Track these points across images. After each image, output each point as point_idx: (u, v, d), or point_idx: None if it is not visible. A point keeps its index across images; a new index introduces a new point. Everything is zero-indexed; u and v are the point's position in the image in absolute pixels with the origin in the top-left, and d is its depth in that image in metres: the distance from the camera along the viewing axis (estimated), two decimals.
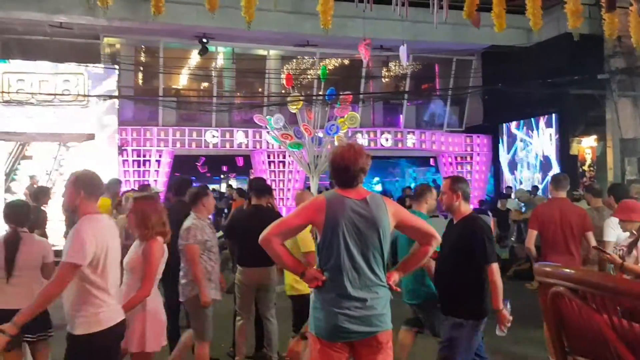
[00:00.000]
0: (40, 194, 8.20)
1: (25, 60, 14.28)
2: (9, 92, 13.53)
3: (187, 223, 5.07)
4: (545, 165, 16.79)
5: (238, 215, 6.17)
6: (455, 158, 19.83)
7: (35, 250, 4.53)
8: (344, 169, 3.24)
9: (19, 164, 14.17)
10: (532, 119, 17.31)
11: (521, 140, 18.13)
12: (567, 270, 3.02)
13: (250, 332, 5.98)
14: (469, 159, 19.78)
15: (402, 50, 13.21)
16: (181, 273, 5.12)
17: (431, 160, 22.91)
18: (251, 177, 16.36)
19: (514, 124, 18.42)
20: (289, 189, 17.53)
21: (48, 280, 4.90)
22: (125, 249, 3.78)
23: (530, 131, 17.58)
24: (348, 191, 3.25)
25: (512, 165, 18.60)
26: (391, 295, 3.29)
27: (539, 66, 15.24)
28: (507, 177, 18.77)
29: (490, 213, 11.34)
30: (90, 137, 14.09)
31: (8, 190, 13.70)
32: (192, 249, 4.94)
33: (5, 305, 4.21)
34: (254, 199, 5.89)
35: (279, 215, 6.04)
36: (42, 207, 7.87)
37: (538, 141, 17.19)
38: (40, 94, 13.64)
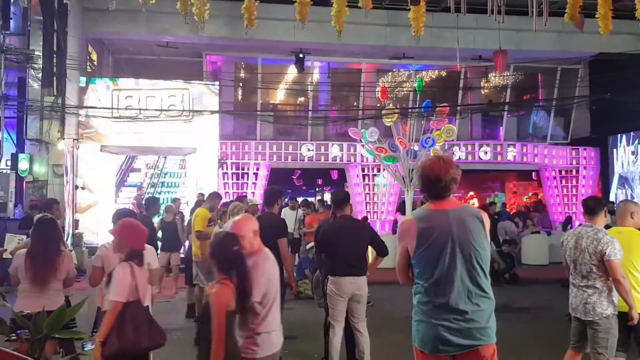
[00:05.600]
0: (151, 204, 8.61)
1: (134, 78, 15.18)
2: (118, 109, 14.41)
3: None
4: None
5: (327, 227, 6.16)
6: (560, 172, 18.87)
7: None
8: (436, 180, 3.18)
9: (128, 176, 15.07)
10: None
11: (632, 153, 16.94)
12: None
13: (342, 344, 5.93)
14: (574, 172, 18.76)
15: (500, 57, 12.65)
16: None
17: (533, 174, 21.92)
18: (346, 189, 16.38)
19: (625, 136, 17.26)
20: (383, 203, 17.38)
21: (151, 285, 5.12)
22: None
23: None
24: (441, 203, 3.21)
25: (623, 180, 17.40)
26: None
27: None
28: (616, 192, 17.58)
29: None
30: (193, 151, 14.71)
31: (118, 200, 14.56)
32: None
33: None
34: (338, 210, 5.95)
35: (367, 223, 5.99)
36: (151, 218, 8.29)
37: None
38: (147, 109, 14.43)
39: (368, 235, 5.90)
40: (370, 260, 6.50)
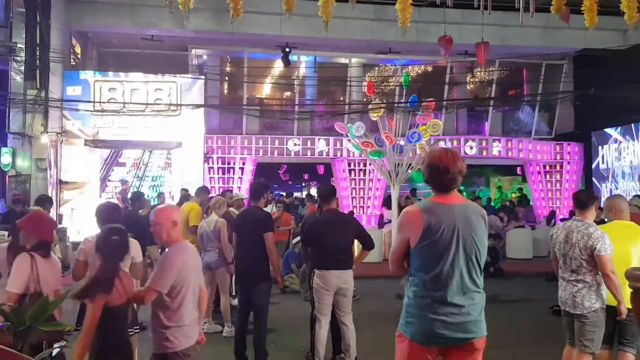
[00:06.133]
0: (136, 200, 8.55)
1: (118, 72, 15.04)
2: (101, 102, 14.27)
3: None
4: None
5: (313, 221, 6.18)
6: (544, 167, 19.05)
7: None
8: (444, 171, 3.14)
9: (112, 170, 14.95)
10: (632, 125, 16.31)
11: (616, 150, 17.13)
12: None
13: (328, 337, 5.95)
14: (558, 167, 18.94)
15: (482, 49, 12.56)
16: None
17: (518, 169, 22.09)
18: (332, 184, 16.41)
19: (608, 131, 17.43)
20: (369, 197, 17.43)
21: (136, 279, 5.10)
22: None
23: (627, 138, 16.57)
24: (446, 196, 3.19)
25: (605, 174, 17.60)
26: None
27: (637, 69, 14.33)
28: (601, 186, 17.77)
29: None
30: (179, 145, 14.62)
31: (103, 195, 14.44)
32: None
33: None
34: (324, 204, 5.97)
35: (353, 217, 6.03)
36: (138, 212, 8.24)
37: (637, 149, 16.17)
38: (131, 103, 14.32)
39: (354, 228, 5.91)
40: (356, 253, 6.52)
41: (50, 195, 12.94)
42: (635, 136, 16.28)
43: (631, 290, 3.76)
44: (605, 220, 5.37)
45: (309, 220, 6.40)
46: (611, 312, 4.57)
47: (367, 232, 6.06)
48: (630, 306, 4.27)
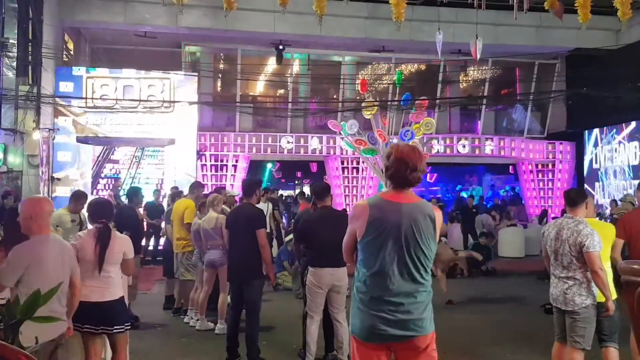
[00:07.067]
0: (133, 195, 8.51)
1: (111, 68, 14.97)
2: (93, 98, 14.19)
3: None
4: (635, 173, 15.85)
5: (307, 218, 6.17)
6: (536, 166, 19.13)
7: (118, 245, 4.66)
8: (412, 168, 3.13)
9: (104, 167, 14.88)
10: (623, 124, 16.41)
11: (608, 150, 17.23)
12: None
13: (320, 334, 5.96)
14: (550, 166, 19.03)
15: (478, 44, 12.53)
16: None
17: (510, 168, 22.18)
18: (325, 181, 16.38)
19: (600, 130, 17.52)
20: (362, 195, 17.45)
21: (127, 275, 5.09)
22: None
23: (619, 138, 16.66)
24: (399, 194, 3.17)
25: (597, 174, 17.70)
26: None
27: (629, 69, 14.42)
28: (595, 185, 17.87)
29: None
30: (171, 142, 14.58)
31: (95, 192, 14.37)
32: None
33: (97, 298, 4.41)
34: (318, 201, 5.93)
35: (347, 214, 6.04)
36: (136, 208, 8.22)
37: (628, 148, 16.26)
38: (124, 99, 14.25)
39: (347, 225, 5.87)
40: None
41: (41, 191, 12.94)
42: (626, 136, 16.37)
43: (623, 283, 3.79)
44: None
45: (303, 217, 6.40)
46: (597, 308, 4.63)
47: None
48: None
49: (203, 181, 15.69)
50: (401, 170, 3.14)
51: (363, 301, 3.15)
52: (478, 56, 11.99)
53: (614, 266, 4.77)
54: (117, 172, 14.81)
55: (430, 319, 3.15)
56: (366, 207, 3.17)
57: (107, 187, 14.43)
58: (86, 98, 14.13)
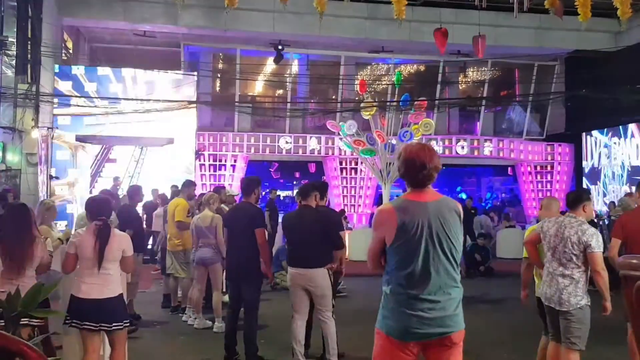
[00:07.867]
0: (134, 194, 8.50)
1: (111, 67, 14.96)
2: (93, 98, 14.19)
3: None
4: (633, 174, 15.87)
5: (286, 216, 6.28)
6: (535, 167, 19.15)
7: (118, 243, 4.66)
8: (420, 167, 3.14)
9: (103, 166, 14.87)
10: (620, 127, 16.43)
11: (606, 152, 17.25)
12: None
13: (319, 334, 5.94)
14: (549, 168, 19.05)
15: (479, 43, 12.37)
16: None
17: (509, 169, 22.19)
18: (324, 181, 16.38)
19: (599, 132, 17.55)
20: (360, 196, 17.45)
21: (127, 273, 5.09)
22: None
23: (617, 139, 16.69)
24: (421, 193, 3.19)
25: (595, 175, 17.72)
26: None
27: (628, 71, 14.43)
28: (593, 187, 17.88)
29: None
30: (170, 141, 14.57)
31: (93, 191, 14.35)
32: None
33: (97, 295, 4.42)
34: (302, 200, 5.91)
35: (328, 214, 6.05)
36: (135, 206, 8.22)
37: (625, 150, 16.29)
38: (123, 99, 14.25)
39: (323, 226, 5.69)
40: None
41: (39, 190, 12.92)
42: (625, 137, 16.39)
43: (621, 278, 3.80)
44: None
45: (285, 216, 6.49)
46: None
47: (337, 230, 5.92)
48: None
49: (201, 181, 15.73)
50: (411, 169, 3.18)
51: (397, 301, 3.15)
52: (482, 54, 11.93)
53: (608, 267, 4.77)
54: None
55: (462, 316, 3.20)
56: (392, 212, 3.15)
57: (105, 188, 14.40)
58: (85, 97, 14.13)
